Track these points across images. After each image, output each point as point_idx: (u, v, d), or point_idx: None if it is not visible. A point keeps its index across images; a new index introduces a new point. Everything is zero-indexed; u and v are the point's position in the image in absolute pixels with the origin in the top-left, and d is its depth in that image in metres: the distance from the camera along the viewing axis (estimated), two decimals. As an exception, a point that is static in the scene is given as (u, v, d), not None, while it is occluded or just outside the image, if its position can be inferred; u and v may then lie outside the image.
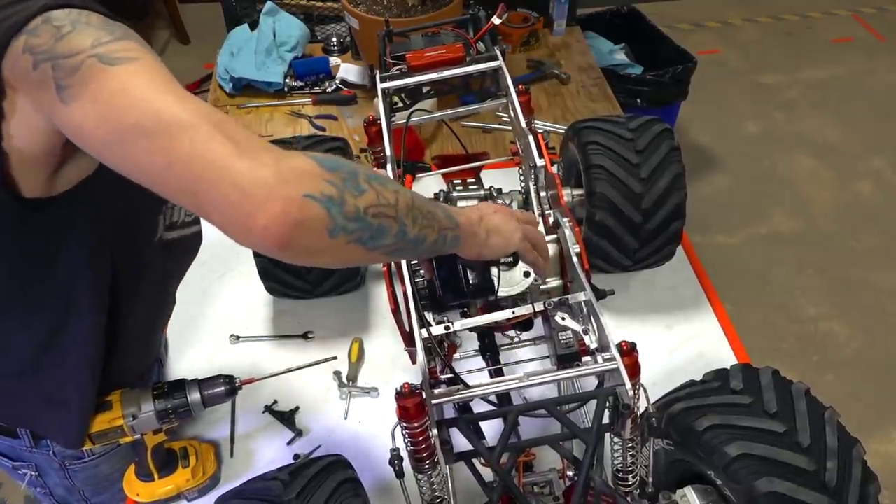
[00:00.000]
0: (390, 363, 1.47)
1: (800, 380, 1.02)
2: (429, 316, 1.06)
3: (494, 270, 1.03)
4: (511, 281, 1.06)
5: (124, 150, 0.68)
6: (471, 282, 1.02)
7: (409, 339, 1.09)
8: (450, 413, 1.01)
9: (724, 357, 1.46)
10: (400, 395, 0.90)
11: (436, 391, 0.94)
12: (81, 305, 0.98)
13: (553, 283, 1.14)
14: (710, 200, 3.47)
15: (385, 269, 1.18)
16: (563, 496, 1.07)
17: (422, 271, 1.07)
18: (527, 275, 1.06)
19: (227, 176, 0.65)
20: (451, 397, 0.93)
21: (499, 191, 1.43)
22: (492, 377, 1.11)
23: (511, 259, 1.03)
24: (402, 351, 1.48)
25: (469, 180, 1.45)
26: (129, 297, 1.05)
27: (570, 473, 1.12)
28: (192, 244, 1.20)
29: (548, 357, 1.21)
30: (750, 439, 0.92)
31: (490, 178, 1.49)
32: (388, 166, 1.29)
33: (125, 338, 1.09)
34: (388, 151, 1.30)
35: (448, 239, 0.87)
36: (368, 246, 0.74)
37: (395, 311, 1.07)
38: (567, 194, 1.22)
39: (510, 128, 2.12)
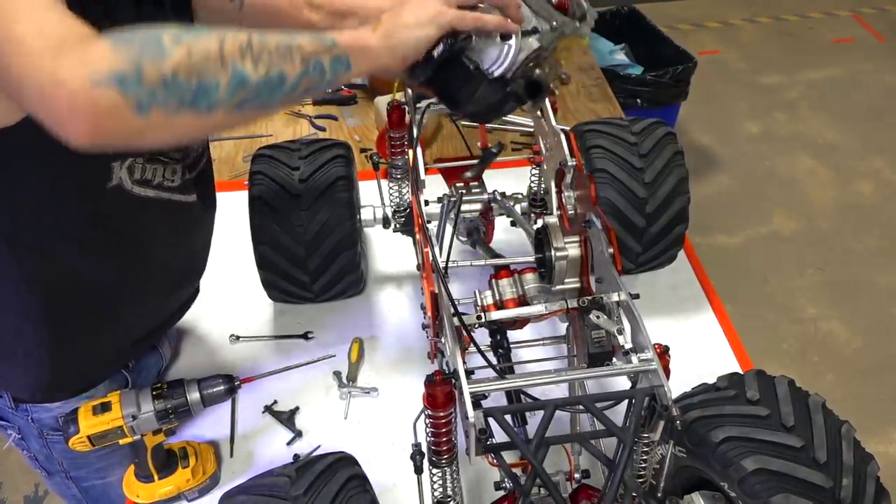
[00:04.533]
0: (390, 363, 1.47)
1: (799, 380, 1.02)
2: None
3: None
4: (489, 55, 0.91)
5: None
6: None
7: (436, 329, 1.06)
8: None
9: (725, 357, 1.46)
10: (430, 383, 0.86)
11: (467, 380, 0.89)
12: (2, 249, 0.94)
13: (571, 284, 1.11)
14: (710, 201, 3.47)
15: (426, 249, 1.12)
16: (569, 499, 1.05)
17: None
18: (504, 37, 0.91)
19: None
20: (490, 386, 0.88)
21: (503, 194, 1.43)
22: (502, 375, 1.10)
23: (464, 37, 0.88)
24: (401, 351, 1.49)
25: (472, 183, 1.44)
26: (92, 249, 1.01)
27: (577, 476, 1.11)
28: (181, 212, 1.11)
29: (555, 358, 1.20)
30: (767, 454, 0.91)
31: (492, 178, 1.49)
32: (418, 149, 1.24)
33: (111, 297, 1.07)
34: (415, 132, 1.26)
35: (327, 65, 0.77)
36: (199, 108, 0.68)
37: (432, 293, 1.04)
38: (568, 197, 1.21)
39: (510, 128, 2.13)
